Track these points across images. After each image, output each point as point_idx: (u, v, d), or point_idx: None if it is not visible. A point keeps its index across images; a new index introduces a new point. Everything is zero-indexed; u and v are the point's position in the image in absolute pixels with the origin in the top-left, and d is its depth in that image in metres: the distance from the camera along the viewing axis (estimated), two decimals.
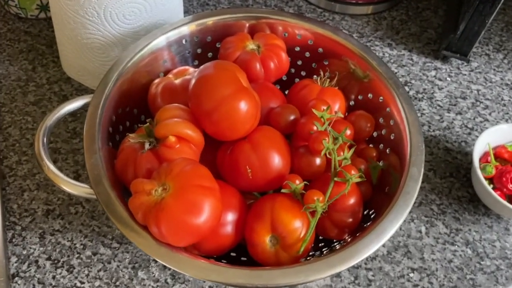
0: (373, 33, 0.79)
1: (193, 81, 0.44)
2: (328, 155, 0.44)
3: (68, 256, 0.53)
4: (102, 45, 0.59)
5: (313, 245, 0.46)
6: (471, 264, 0.55)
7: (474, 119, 0.69)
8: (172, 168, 0.38)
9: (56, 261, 0.52)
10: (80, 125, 0.64)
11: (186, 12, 0.78)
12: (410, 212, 0.42)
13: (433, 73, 0.74)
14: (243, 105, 0.43)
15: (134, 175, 0.42)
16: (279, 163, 0.44)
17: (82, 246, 0.53)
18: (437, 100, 0.70)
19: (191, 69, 0.53)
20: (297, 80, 0.60)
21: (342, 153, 0.45)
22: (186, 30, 0.54)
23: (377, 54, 0.75)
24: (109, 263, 0.52)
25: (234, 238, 0.44)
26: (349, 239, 0.44)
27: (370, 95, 0.53)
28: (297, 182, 0.43)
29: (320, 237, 0.48)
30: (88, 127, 0.45)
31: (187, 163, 0.39)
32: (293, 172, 0.47)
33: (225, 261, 0.47)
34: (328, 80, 0.54)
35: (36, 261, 0.52)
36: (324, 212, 0.43)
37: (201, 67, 0.45)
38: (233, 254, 0.49)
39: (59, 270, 0.51)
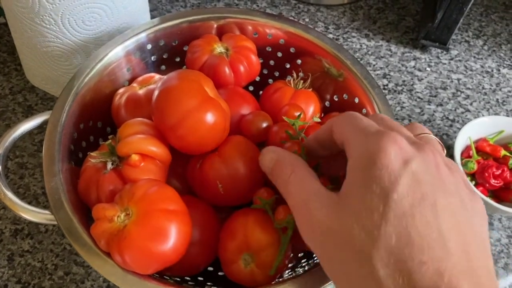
0: (349, 24, 0.76)
1: (155, 94, 0.41)
2: None
3: (39, 278, 0.50)
4: (63, 53, 0.56)
5: (291, 255, 0.45)
6: None
7: (455, 110, 0.67)
8: (135, 191, 0.36)
9: (26, 284, 0.50)
10: None
11: (155, 10, 0.75)
12: None
13: (412, 63, 0.72)
14: (209, 117, 0.40)
15: (97, 197, 0.40)
16: (251, 176, 0.42)
17: (53, 267, 0.51)
18: (417, 92, 0.69)
19: (157, 76, 0.50)
20: (270, 81, 0.57)
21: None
22: (149, 35, 0.51)
23: (354, 46, 0.73)
24: (83, 282, 0.50)
25: (207, 257, 0.42)
26: None
27: (345, 96, 0.51)
28: (267, 195, 0.41)
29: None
30: (47, 147, 0.42)
31: (151, 185, 0.36)
32: (267, 183, 0.45)
33: (201, 278, 0.46)
34: (302, 81, 0.52)
35: (5, 286, 0.50)
36: None
37: (164, 77, 0.42)
38: (210, 268, 0.47)
39: None
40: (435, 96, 0.68)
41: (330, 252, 0.28)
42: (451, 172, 0.29)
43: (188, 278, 0.44)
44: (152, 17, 0.67)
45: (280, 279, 0.40)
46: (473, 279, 0.25)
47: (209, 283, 0.44)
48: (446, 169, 0.29)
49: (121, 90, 0.49)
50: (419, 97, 0.68)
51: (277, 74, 0.57)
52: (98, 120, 0.49)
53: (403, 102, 0.67)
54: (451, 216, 0.27)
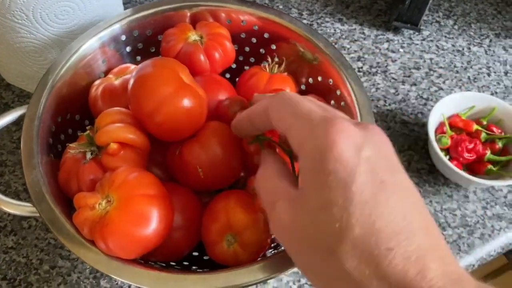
0: (323, 9, 0.77)
1: (131, 82, 0.42)
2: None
3: (25, 273, 0.50)
4: (37, 48, 0.56)
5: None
6: None
7: (428, 89, 0.69)
8: (115, 178, 0.36)
9: (12, 280, 0.50)
10: None
11: (128, 3, 0.75)
12: None
13: (385, 45, 0.73)
14: (186, 104, 0.41)
15: (78, 188, 0.40)
16: (230, 160, 0.43)
17: (38, 261, 0.51)
18: (391, 73, 0.70)
19: (132, 67, 0.51)
20: (247, 67, 0.58)
21: None
22: (123, 26, 0.51)
23: (328, 31, 0.74)
24: (69, 275, 0.51)
25: (191, 241, 0.43)
26: None
27: (319, 78, 0.52)
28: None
29: None
30: (25, 140, 0.42)
31: (130, 171, 0.37)
32: (247, 165, 0.45)
33: (187, 263, 0.46)
34: (277, 66, 0.52)
35: None
36: None
37: (139, 65, 0.43)
38: (195, 253, 0.48)
39: None
40: (409, 76, 0.70)
41: (297, 248, 0.28)
42: (391, 148, 0.28)
43: (173, 263, 0.45)
44: (126, 9, 0.66)
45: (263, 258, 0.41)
46: (436, 253, 0.25)
47: (194, 267, 0.45)
48: (390, 146, 0.28)
49: (97, 82, 0.49)
50: (393, 78, 0.69)
51: (252, 60, 0.58)
52: (75, 113, 0.49)
53: (378, 84, 0.69)
54: (410, 195, 0.26)
